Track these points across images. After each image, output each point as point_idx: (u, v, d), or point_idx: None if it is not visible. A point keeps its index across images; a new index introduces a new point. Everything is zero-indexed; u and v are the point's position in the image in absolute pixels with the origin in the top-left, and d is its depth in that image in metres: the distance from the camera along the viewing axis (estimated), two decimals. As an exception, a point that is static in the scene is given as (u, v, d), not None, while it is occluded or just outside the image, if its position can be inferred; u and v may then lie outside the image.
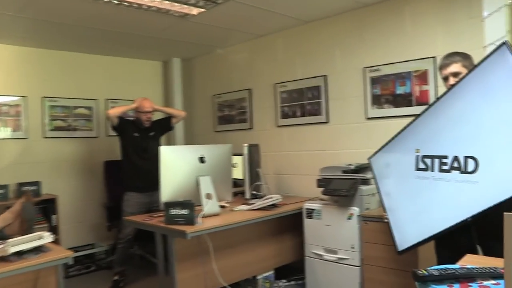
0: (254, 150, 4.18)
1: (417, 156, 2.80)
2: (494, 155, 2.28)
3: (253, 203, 3.80)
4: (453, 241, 2.64)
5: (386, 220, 2.91)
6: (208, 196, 3.39)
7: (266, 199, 3.78)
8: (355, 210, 3.44)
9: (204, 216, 3.27)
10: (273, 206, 3.74)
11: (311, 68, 4.56)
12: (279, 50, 4.86)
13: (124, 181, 4.42)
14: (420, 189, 2.74)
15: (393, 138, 3.02)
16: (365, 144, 4.12)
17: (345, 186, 3.46)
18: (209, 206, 3.36)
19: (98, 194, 5.40)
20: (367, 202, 3.50)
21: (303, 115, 4.62)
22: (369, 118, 4.15)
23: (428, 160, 2.72)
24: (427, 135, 2.76)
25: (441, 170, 2.61)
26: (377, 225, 3.28)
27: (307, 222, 3.76)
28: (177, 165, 3.34)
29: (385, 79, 4.05)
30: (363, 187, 3.48)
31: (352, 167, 3.64)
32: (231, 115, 5.37)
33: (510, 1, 3.31)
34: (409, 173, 2.82)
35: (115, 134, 4.54)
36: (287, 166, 4.77)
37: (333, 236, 3.57)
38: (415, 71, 3.88)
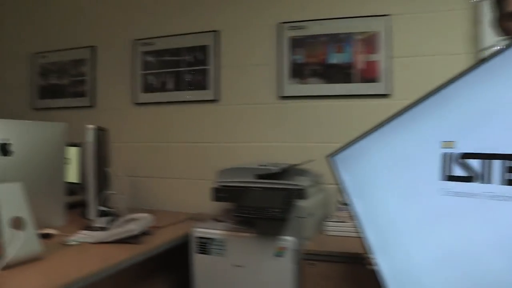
0: (101, 137, 2.52)
1: (446, 155, 1.47)
2: None
3: (102, 229, 2.18)
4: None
5: (369, 266, 1.55)
6: (17, 224, 1.69)
7: (128, 221, 2.17)
8: (288, 241, 2.04)
9: (8, 267, 1.58)
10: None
11: (195, 19, 3.04)
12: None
13: None
14: (455, 215, 1.42)
15: (383, 124, 1.66)
16: (278, 135, 2.79)
17: (275, 202, 2.03)
18: (19, 243, 1.66)
19: None
20: (307, 227, 2.13)
21: (178, 88, 3.07)
22: (284, 97, 2.79)
23: (475, 163, 1.40)
24: (470, 117, 1.45)
25: (510, 182, 1.33)
26: (334, 268, 1.94)
27: (198, 260, 2.23)
28: None
29: (312, 42, 2.74)
30: (302, 203, 2.10)
31: (275, 169, 2.23)
32: (62, 85, 3.55)
33: None
34: (427, 185, 1.48)
35: None
36: (150, 164, 3.16)
37: (249, 284, 2.11)
38: (360, 34, 2.63)
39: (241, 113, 2.88)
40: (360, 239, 1.60)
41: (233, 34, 2.93)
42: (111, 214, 2.41)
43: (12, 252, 1.61)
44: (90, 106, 3.40)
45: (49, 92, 3.61)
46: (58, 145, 2.00)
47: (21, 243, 1.66)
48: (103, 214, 2.37)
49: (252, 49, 2.88)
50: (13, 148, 1.77)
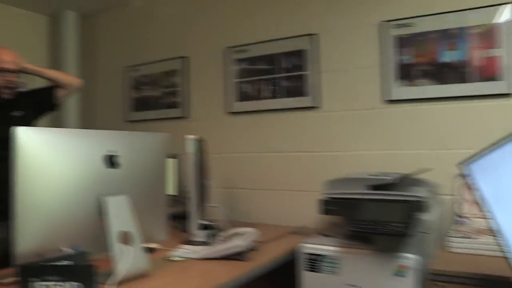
0: (200, 148, 2.43)
1: None
2: None
3: (204, 243, 2.09)
4: None
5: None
6: (125, 239, 1.61)
7: (231, 236, 2.06)
8: (411, 259, 1.82)
9: (120, 283, 1.50)
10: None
11: (290, 23, 2.90)
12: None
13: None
14: None
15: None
16: (385, 142, 2.58)
17: (395, 215, 1.83)
18: (129, 259, 1.58)
19: None
20: (430, 243, 1.91)
21: (274, 95, 2.94)
22: (391, 101, 2.58)
23: None
24: None
25: None
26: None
27: (307, 278, 2.06)
28: (53, 170, 1.51)
29: (421, 40, 2.51)
30: (424, 216, 1.89)
31: (390, 179, 2.02)
32: (155, 96, 3.55)
33: None
34: None
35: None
36: (246, 176, 3.04)
37: (366, 309, 1.92)
38: (477, 27, 2.38)
39: (344, 119, 2.69)
40: (505, 258, 1.38)
41: (332, 36, 2.76)
42: (211, 228, 2.31)
43: (124, 268, 1.53)
44: (183, 117, 3.36)
45: (142, 104, 3.62)
46: (160, 156, 1.91)
47: (128, 260, 1.58)
48: (203, 227, 2.28)
49: (354, 51, 2.69)
50: (120, 160, 1.69)
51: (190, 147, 2.21)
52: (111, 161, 1.67)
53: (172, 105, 3.42)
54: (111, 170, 1.68)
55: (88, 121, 3.99)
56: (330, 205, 2.08)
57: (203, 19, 3.29)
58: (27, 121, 2.52)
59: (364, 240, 1.95)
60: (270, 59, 2.95)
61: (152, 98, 3.55)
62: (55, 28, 4.02)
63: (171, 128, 3.36)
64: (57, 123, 3.82)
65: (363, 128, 2.63)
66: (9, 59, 2.35)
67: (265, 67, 2.96)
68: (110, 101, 3.85)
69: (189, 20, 3.37)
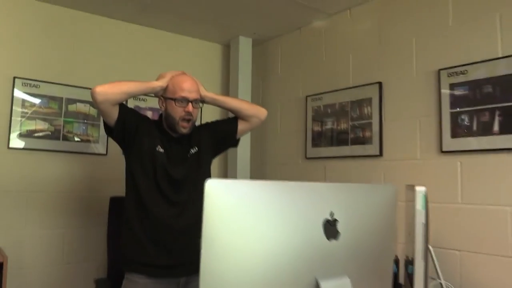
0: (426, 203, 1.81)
1: None
2: None
3: None
4: None
5: None
6: None
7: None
8: None
9: None
10: None
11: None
12: (448, 7, 2.52)
13: (124, 247, 2.03)
14: None
15: None
16: None
17: None
18: None
19: (96, 257, 3.09)
20: None
21: (509, 130, 2.20)
22: None
23: None
24: None
25: None
26: None
27: None
28: (251, 237, 1.01)
29: None
30: None
31: None
32: (340, 130, 3.03)
33: None
34: None
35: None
36: (466, 234, 2.32)
37: None
38: None
39: None
40: None
41: None
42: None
43: None
44: (374, 155, 2.78)
45: (322, 139, 3.13)
46: (389, 218, 1.35)
47: None
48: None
49: None
50: (338, 225, 1.16)
51: (419, 203, 1.62)
52: (330, 226, 1.15)
53: (362, 141, 2.87)
54: (329, 242, 1.16)
55: (258, 158, 3.62)
56: None
57: (402, 37, 2.71)
58: (202, 160, 2.14)
59: None
60: (500, 81, 2.24)
61: (337, 131, 3.04)
62: (230, 55, 3.77)
63: (358, 169, 2.83)
64: (222, 165, 3.54)
65: None
66: (190, 88, 1.99)
67: (493, 90, 2.26)
68: (286, 136, 3.43)
69: (382, 38, 2.82)
